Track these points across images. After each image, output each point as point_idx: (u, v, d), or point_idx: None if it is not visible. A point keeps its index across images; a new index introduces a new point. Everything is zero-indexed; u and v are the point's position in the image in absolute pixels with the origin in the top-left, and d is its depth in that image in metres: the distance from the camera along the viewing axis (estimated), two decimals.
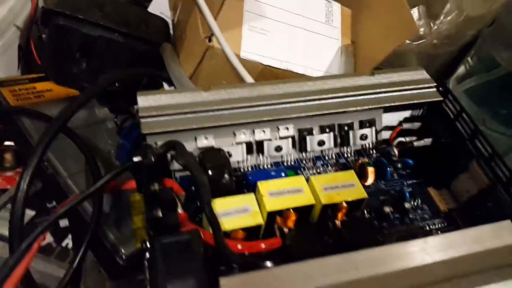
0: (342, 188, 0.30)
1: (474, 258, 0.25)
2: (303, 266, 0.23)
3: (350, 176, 0.30)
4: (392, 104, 0.35)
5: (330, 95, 0.34)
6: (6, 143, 0.53)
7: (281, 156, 0.35)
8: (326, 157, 0.36)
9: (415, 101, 0.35)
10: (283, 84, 0.34)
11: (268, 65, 0.44)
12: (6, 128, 0.48)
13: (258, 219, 0.27)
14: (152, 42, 0.48)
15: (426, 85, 0.36)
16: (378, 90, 0.35)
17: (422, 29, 0.49)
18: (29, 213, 0.48)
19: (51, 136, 0.32)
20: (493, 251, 0.25)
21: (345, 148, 0.36)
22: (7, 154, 0.53)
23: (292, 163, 0.35)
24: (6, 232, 0.42)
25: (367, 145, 0.36)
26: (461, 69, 0.54)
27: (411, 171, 0.36)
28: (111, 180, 0.29)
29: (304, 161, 0.35)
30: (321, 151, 0.35)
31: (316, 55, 0.47)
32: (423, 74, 0.37)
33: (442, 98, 0.35)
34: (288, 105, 0.33)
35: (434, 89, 0.36)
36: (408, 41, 0.50)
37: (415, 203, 0.33)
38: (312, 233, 0.27)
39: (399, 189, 0.33)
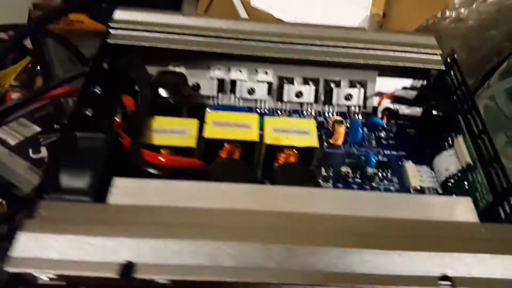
0: (294, 133, 0.27)
1: (388, 222, 0.21)
2: (194, 185, 0.22)
3: (308, 124, 0.28)
4: (385, 63, 0.31)
5: (318, 42, 0.32)
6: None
7: (255, 102, 0.33)
8: (305, 112, 0.33)
9: (412, 65, 0.31)
10: (269, 24, 0.32)
11: (279, 19, 0.42)
12: (36, 51, 0.52)
13: (189, 142, 0.26)
14: None
15: (430, 51, 0.32)
16: (373, 46, 0.32)
17: (461, 9, 0.43)
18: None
19: None
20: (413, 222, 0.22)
21: (327, 107, 0.33)
22: (38, 77, 0.57)
23: (266, 111, 0.33)
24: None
25: (353, 108, 0.33)
26: (507, 64, 0.47)
27: (395, 142, 0.32)
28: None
29: (279, 112, 0.33)
30: (301, 104, 0.33)
31: (335, 19, 0.44)
32: (430, 40, 0.33)
33: (444, 68, 0.31)
34: (269, 44, 0.31)
35: (439, 57, 0.32)
36: (443, 20, 0.45)
37: (384, 173, 0.30)
38: (241, 167, 0.25)
39: (369, 155, 0.30)
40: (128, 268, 0.18)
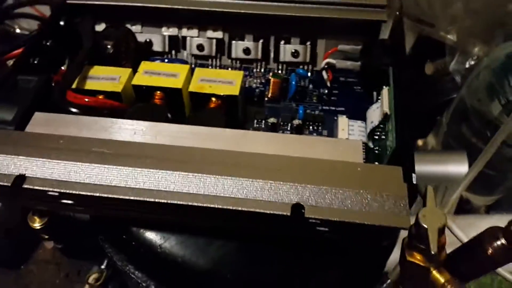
0: (219, 83, 0.29)
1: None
2: (98, 120, 0.24)
3: (235, 75, 0.29)
4: (327, 16, 0.31)
5: None
6: None
7: (208, 59, 0.35)
8: (254, 70, 0.35)
9: (356, 17, 0.31)
10: None
11: None
12: None
13: (116, 87, 0.28)
14: None
15: (377, 4, 0.31)
16: (319, 0, 0.32)
17: None
18: None
19: None
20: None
21: (276, 64, 0.34)
22: None
23: (216, 68, 0.35)
24: None
25: (301, 66, 0.34)
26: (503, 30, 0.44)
27: (337, 98, 0.32)
28: None
29: (229, 69, 0.35)
30: (250, 61, 0.34)
31: None
32: None
33: (385, 19, 0.31)
34: (219, 0, 0.32)
35: (383, 10, 0.31)
36: None
37: (314, 126, 0.30)
38: (159, 112, 0.27)
39: (298, 108, 0.31)
40: (19, 179, 0.21)
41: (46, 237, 0.31)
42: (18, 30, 0.61)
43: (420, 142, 0.59)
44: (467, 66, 0.54)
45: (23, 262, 0.47)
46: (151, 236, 0.27)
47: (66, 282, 0.45)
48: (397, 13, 0.32)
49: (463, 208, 0.54)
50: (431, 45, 0.56)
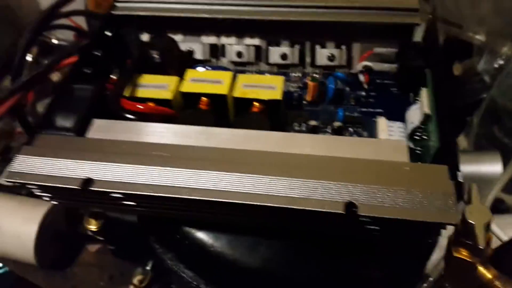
0: (261, 88, 0.30)
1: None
2: (154, 125, 0.26)
3: (276, 80, 0.31)
4: (367, 20, 0.32)
5: (300, 4, 0.33)
6: None
7: (245, 65, 0.36)
8: (291, 75, 0.36)
9: (390, 21, 0.32)
10: None
11: None
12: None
13: (166, 95, 0.30)
14: None
15: (410, 7, 0.32)
16: (352, 5, 0.33)
17: None
18: None
19: None
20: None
21: (312, 68, 0.35)
22: None
23: (255, 73, 0.36)
24: None
25: (337, 69, 0.35)
26: None
27: (374, 100, 0.33)
28: None
29: (266, 74, 0.36)
30: (287, 66, 0.36)
31: None
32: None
33: (419, 22, 0.31)
34: (257, 8, 0.34)
35: (416, 13, 0.32)
36: None
37: (354, 128, 0.31)
38: (207, 117, 0.29)
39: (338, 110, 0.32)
40: (87, 182, 0.23)
41: (101, 238, 0.33)
42: (54, 41, 0.64)
43: None
44: (496, 65, 0.54)
45: (68, 265, 0.49)
46: (203, 235, 0.29)
47: (110, 284, 0.47)
48: (430, 16, 0.33)
49: (498, 208, 0.54)
50: (458, 45, 0.56)
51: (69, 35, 0.62)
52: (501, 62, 0.54)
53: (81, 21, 0.61)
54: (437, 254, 0.29)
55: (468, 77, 0.61)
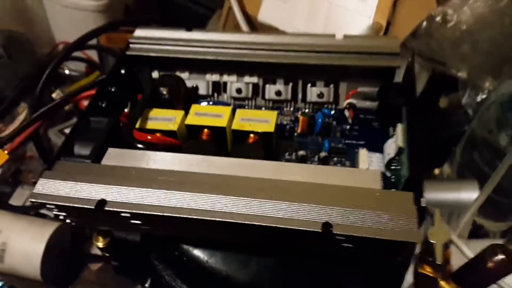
0: (257, 121, 0.34)
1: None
2: (163, 154, 0.30)
3: (270, 115, 0.35)
4: (347, 64, 0.36)
5: (293, 49, 0.38)
6: None
7: (244, 100, 0.40)
8: (285, 109, 0.40)
9: (372, 64, 0.36)
10: (257, 34, 0.40)
11: (284, 31, 0.49)
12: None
13: (172, 126, 0.34)
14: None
15: (391, 52, 0.36)
16: (343, 50, 0.37)
17: (449, 10, 0.46)
18: None
19: None
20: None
21: (303, 104, 0.39)
22: None
23: (252, 108, 0.40)
24: None
25: (326, 105, 0.39)
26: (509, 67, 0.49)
27: (358, 133, 0.37)
28: None
29: (263, 108, 0.40)
30: (281, 102, 0.40)
31: (337, 28, 0.50)
32: (393, 43, 0.37)
33: (398, 66, 0.36)
34: (256, 52, 0.38)
35: (398, 58, 0.36)
36: (435, 25, 0.48)
37: (338, 158, 0.35)
38: (208, 146, 0.32)
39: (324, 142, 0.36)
40: (101, 203, 0.27)
41: (107, 255, 0.36)
42: (66, 71, 0.68)
43: (436, 171, 0.63)
44: (478, 100, 0.58)
45: (71, 282, 0.52)
46: (199, 252, 0.32)
47: None
48: (409, 59, 0.37)
49: (477, 233, 0.57)
50: (444, 80, 0.60)
51: (80, 66, 0.66)
52: (483, 96, 0.58)
53: (93, 54, 0.66)
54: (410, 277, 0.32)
55: (453, 110, 0.66)
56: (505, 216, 0.56)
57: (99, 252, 0.42)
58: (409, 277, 0.32)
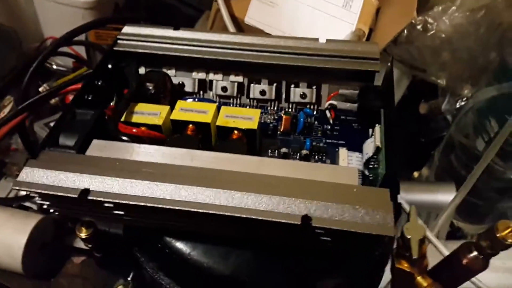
0: (241, 118, 0.35)
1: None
2: (145, 147, 0.30)
3: (254, 112, 0.35)
4: (328, 66, 0.38)
5: (278, 50, 0.39)
6: None
7: (230, 98, 0.41)
8: (269, 108, 0.41)
9: (352, 68, 0.37)
10: (243, 35, 0.40)
11: (270, 34, 0.50)
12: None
13: (158, 121, 0.34)
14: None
15: (371, 57, 0.38)
16: (325, 53, 0.38)
17: (430, 19, 0.48)
18: None
19: None
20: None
21: (286, 103, 0.40)
22: None
23: (237, 106, 0.41)
24: None
25: (308, 105, 0.40)
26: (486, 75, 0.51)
27: (338, 133, 0.38)
28: None
29: (247, 107, 0.41)
30: (265, 101, 0.41)
31: (320, 33, 0.51)
32: (373, 48, 0.38)
33: (378, 70, 0.37)
34: (241, 52, 0.39)
35: (378, 62, 0.38)
36: (416, 33, 0.50)
37: (319, 156, 0.36)
38: (192, 141, 0.33)
39: (306, 140, 0.37)
40: (84, 192, 0.27)
41: (90, 246, 0.36)
42: (54, 66, 0.68)
43: (416, 174, 0.65)
44: (457, 106, 0.60)
45: (53, 276, 0.51)
46: (182, 245, 0.33)
47: None
48: (388, 64, 0.38)
49: (456, 235, 0.59)
50: (424, 87, 0.62)
51: (68, 62, 0.66)
52: (462, 103, 0.60)
53: (80, 50, 0.66)
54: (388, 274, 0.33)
55: (433, 115, 0.68)
56: (482, 218, 0.58)
57: (82, 246, 0.43)
58: (387, 274, 0.34)
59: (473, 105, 0.53)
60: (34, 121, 0.57)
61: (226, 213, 0.26)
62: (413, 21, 0.49)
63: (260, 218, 0.25)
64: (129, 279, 0.45)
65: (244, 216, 0.26)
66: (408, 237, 0.27)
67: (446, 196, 0.50)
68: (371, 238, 0.26)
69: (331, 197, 0.26)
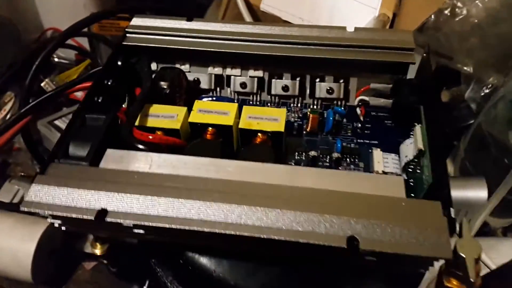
0: (265, 120, 0.32)
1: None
2: (166, 156, 0.27)
3: (279, 112, 0.32)
4: (362, 58, 0.34)
5: (304, 41, 0.35)
6: None
7: (249, 95, 0.38)
8: (292, 105, 0.38)
9: (385, 60, 0.34)
10: (263, 25, 0.37)
11: (287, 21, 0.47)
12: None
13: (175, 124, 0.31)
14: None
15: (406, 47, 0.34)
16: (355, 44, 0.35)
17: (462, 6, 0.45)
18: None
19: None
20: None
21: (311, 100, 0.37)
22: None
23: (257, 103, 0.38)
24: None
25: (336, 101, 0.37)
26: None
27: (370, 132, 0.35)
28: None
29: (269, 104, 0.38)
30: (288, 97, 0.37)
31: (342, 19, 0.47)
32: (407, 37, 0.35)
33: (413, 61, 0.34)
34: (261, 44, 0.36)
35: (413, 53, 0.34)
36: (445, 18, 0.46)
37: (351, 159, 0.33)
38: (214, 147, 0.30)
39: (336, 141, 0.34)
40: (102, 213, 0.24)
41: (105, 262, 0.33)
42: (56, 59, 0.65)
43: None
44: (482, 94, 0.57)
45: (64, 282, 0.49)
46: (206, 261, 0.30)
47: None
48: (424, 54, 0.35)
49: (481, 230, 0.56)
50: (447, 73, 0.59)
51: (70, 54, 0.63)
52: (487, 91, 0.57)
53: (83, 41, 0.62)
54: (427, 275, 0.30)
55: (456, 103, 0.64)
56: (510, 212, 0.56)
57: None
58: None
59: (505, 94, 0.49)
60: (37, 119, 0.54)
61: (261, 236, 0.23)
62: (441, 6, 0.45)
63: (300, 240, 0.23)
64: (144, 287, 0.42)
65: (281, 238, 0.23)
66: (463, 255, 0.24)
67: (477, 192, 0.47)
68: (423, 260, 0.23)
69: (378, 213, 0.23)
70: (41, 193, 0.25)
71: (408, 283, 0.30)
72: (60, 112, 0.55)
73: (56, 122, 0.54)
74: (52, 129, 0.53)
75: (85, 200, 0.25)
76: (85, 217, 0.24)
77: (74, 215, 0.24)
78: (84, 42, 0.62)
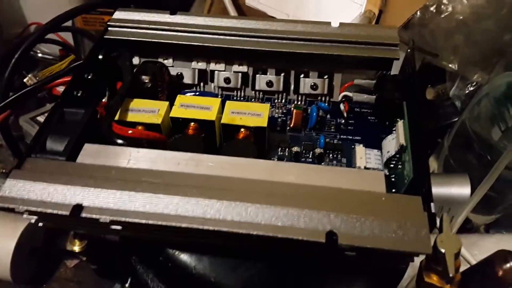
0: (248, 115, 0.31)
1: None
2: (143, 151, 0.27)
3: (263, 108, 0.32)
4: (346, 53, 0.34)
5: (289, 36, 0.35)
6: None
7: (233, 90, 0.37)
8: (276, 101, 0.37)
9: (369, 55, 0.34)
10: (247, 20, 0.37)
11: (273, 17, 0.46)
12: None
13: (156, 119, 0.31)
14: None
15: (390, 43, 0.34)
16: (339, 39, 0.35)
17: (444, 0, 0.45)
18: None
19: None
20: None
21: (296, 95, 0.37)
22: None
23: (241, 98, 0.38)
24: None
25: (320, 97, 0.37)
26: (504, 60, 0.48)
27: (353, 128, 0.35)
28: None
29: (253, 100, 0.37)
30: (272, 93, 0.37)
31: (328, 16, 0.47)
32: (392, 33, 0.35)
33: (398, 57, 0.34)
34: (245, 38, 0.35)
35: (397, 48, 0.34)
36: (430, 15, 0.46)
37: (334, 154, 0.33)
38: (196, 142, 0.30)
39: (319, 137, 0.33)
40: (77, 208, 0.24)
41: (84, 258, 0.33)
42: (39, 55, 0.64)
43: None
44: (466, 91, 0.57)
45: (45, 280, 0.48)
46: (186, 257, 0.29)
47: None
48: (408, 51, 0.35)
49: (464, 226, 0.57)
50: (432, 71, 0.59)
51: (54, 49, 0.62)
52: (472, 88, 0.57)
53: (67, 36, 0.61)
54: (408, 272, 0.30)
55: (440, 101, 0.65)
56: (492, 209, 0.56)
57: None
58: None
59: (489, 92, 0.50)
60: (19, 115, 0.53)
61: (239, 231, 0.23)
62: (427, 2, 0.45)
63: (279, 235, 0.22)
64: (126, 285, 0.42)
65: (260, 233, 0.22)
66: (443, 251, 0.24)
67: (460, 189, 0.48)
68: (403, 255, 0.23)
69: (358, 208, 0.23)
70: (16, 188, 0.25)
71: (389, 280, 0.30)
72: (43, 108, 0.54)
73: (39, 118, 0.53)
74: (35, 125, 0.52)
75: (61, 195, 0.24)
76: (60, 212, 0.24)
77: (49, 211, 0.24)
78: (68, 37, 0.61)
